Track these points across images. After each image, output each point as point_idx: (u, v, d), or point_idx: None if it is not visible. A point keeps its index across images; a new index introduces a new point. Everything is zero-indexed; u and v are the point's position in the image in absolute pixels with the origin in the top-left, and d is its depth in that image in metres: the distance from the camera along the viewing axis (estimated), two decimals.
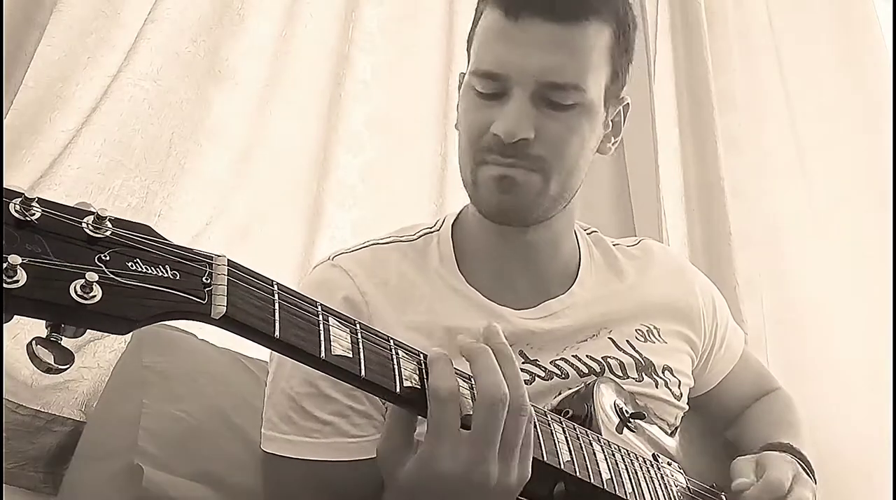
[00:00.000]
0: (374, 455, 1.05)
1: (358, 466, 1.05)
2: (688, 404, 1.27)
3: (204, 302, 0.65)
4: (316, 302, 0.75)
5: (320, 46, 1.98)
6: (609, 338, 1.19)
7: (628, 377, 1.17)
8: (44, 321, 0.59)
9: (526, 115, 1.05)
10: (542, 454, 0.89)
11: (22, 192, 0.56)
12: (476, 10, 1.15)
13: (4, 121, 1.56)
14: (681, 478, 1.13)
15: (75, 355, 0.60)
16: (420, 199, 2.04)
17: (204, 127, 1.81)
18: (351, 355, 0.74)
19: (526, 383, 1.07)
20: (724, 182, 2.05)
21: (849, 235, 2.01)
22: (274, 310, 0.69)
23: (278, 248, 1.90)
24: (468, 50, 1.16)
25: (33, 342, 0.58)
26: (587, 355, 1.16)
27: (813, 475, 1.21)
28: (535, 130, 1.05)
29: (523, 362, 1.12)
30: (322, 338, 0.73)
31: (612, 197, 2.11)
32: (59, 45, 1.66)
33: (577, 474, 0.92)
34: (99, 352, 1.64)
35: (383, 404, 1.07)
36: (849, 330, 1.98)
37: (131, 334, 1.61)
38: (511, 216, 1.12)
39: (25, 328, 0.55)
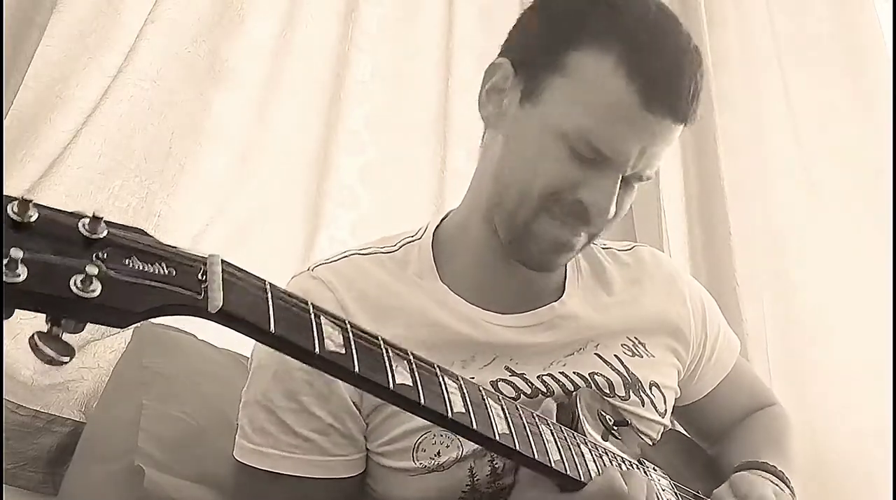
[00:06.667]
0: (352, 474, 1.06)
1: (335, 483, 1.05)
2: (671, 419, 1.26)
3: (200, 297, 0.65)
4: (307, 301, 0.75)
5: (320, 46, 1.99)
6: (596, 353, 1.17)
7: (615, 395, 1.16)
8: (44, 316, 0.60)
9: (616, 194, 1.05)
10: (533, 453, 0.90)
11: (18, 197, 0.58)
12: (571, 25, 1.04)
13: (4, 121, 1.56)
14: (666, 483, 1.13)
15: (76, 355, 0.62)
16: (420, 199, 2.05)
17: (204, 127, 1.82)
18: (344, 352, 0.75)
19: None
20: (724, 182, 2.04)
21: (849, 235, 2.00)
22: (268, 306, 0.70)
23: (278, 248, 1.91)
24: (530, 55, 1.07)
25: (35, 336, 0.59)
26: (574, 372, 1.14)
27: (793, 493, 1.20)
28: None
29: (510, 376, 1.10)
30: (315, 334, 0.73)
31: None
32: (59, 45, 1.68)
33: (567, 472, 0.93)
34: (99, 352, 1.65)
35: (365, 422, 1.06)
36: (849, 330, 1.97)
37: (131, 334, 1.61)
38: (543, 268, 1.13)
39: (25, 329, 0.56)
